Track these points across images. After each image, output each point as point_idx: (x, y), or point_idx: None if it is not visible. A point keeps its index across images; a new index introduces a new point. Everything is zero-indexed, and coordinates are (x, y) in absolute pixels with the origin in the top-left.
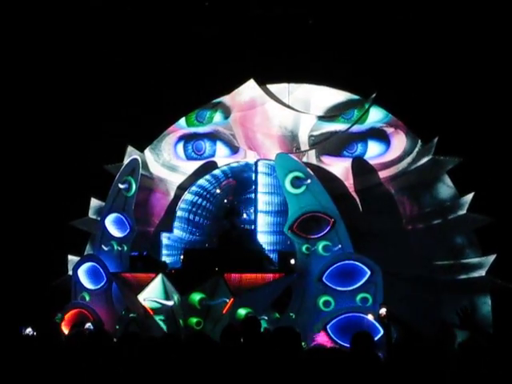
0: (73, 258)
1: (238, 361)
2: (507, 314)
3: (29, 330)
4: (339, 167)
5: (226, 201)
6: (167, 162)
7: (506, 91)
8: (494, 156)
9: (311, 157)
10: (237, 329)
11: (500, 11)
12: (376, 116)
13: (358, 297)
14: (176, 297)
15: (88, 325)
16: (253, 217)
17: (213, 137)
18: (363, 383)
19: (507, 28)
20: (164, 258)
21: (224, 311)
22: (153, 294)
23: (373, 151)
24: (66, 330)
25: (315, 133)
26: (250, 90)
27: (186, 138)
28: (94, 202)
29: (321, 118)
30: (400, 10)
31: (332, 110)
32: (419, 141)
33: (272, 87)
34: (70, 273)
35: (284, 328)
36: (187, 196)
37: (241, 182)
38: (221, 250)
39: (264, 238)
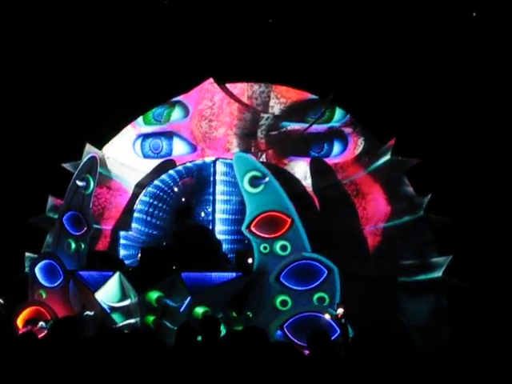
0: (30, 256)
1: (197, 360)
2: (463, 314)
3: None
4: (298, 167)
5: (183, 199)
6: (125, 160)
7: (464, 91)
8: (452, 157)
9: (270, 157)
10: (193, 327)
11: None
12: (335, 116)
13: (315, 296)
14: (133, 295)
15: (41, 323)
16: (211, 217)
17: (170, 135)
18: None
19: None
20: (121, 257)
21: (181, 310)
22: (110, 292)
23: (334, 151)
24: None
25: (274, 132)
26: (208, 88)
27: (144, 137)
28: (52, 200)
29: (279, 117)
30: (357, 10)
31: (291, 110)
32: (376, 142)
33: (231, 86)
34: (27, 270)
35: (252, 328)
36: (145, 194)
37: (199, 181)
38: (178, 249)
39: (222, 238)
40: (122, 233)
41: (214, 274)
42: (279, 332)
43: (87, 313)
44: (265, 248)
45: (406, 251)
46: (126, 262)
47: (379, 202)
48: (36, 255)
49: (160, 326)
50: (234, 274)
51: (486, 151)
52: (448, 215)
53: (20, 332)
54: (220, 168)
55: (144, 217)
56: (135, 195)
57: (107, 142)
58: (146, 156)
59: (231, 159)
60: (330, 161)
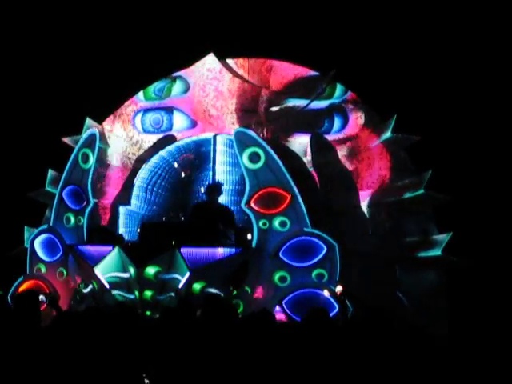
0: (29, 230)
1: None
2: (462, 292)
3: None
4: (299, 143)
5: (183, 175)
6: (125, 135)
7: (465, 70)
8: (452, 134)
9: (271, 132)
10: (192, 303)
11: None
12: (336, 92)
13: (314, 273)
14: (132, 270)
15: (40, 297)
16: None
17: (170, 110)
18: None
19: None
20: (121, 231)
21: (180, 285)
22: (109, 267)
23: (335, 127)
24: None
25: (274, 108)
26: (209, 63)
27: (144, 111)
28: (51, 174)
29: (279, 93)
30: None
31: (292, 86)
32: (378, 118)
33: (232, 62)
34: (26, 244)
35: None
36: (145, 170)
37: (199, 157)
38: (178, 224)
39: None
40: (121, 208)
41: (213, 250)
42: (278, 308)
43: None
44: (264, 224)
45: (405, 228)
46: (126, 236)
47: (378, 179)
48: (35, 229)
49: (158, 301)
50: (234, 250)
51: (486, 129)
52: (448, 192)
53: None
54: (220, 143)
55: (143, 193)
56: (135, 170)
57: (107, 116)
58: (146, 131)
59: (231, 135)
60: (330, 137)
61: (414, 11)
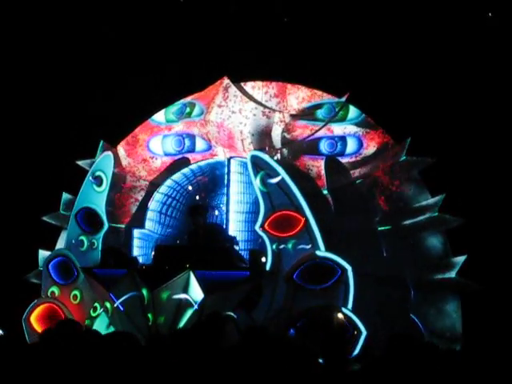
0: (44, 253)
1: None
2: (476, 315)
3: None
4: (313, 166)
5: (197, 198)
6: (140, 158)
7: (479, 91)
8: (466, 157)
9: (285, 156)
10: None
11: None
12: (349, 115)
13: (328, 296)
14: (146, 293)
15: None
16: (225, 216)
17: (191, 131)
18: None
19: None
20: (135, 254)
21: (194, 308)
22: (123, 290)
23: (349, 149)
24: (37, 327)
25: (288, 131)
26: (223, 87)
27: (164, 134)
28: (66, 197)
29: (293, 116)
30: (374, 10)
31: (305, 109)
32: (391, 141)
33: (245, 85)
34: (41, 268)
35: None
36: (159, 192)
37: (213, 180)
38: (192, 247)
39: (236, 237)
40: (135, 230)
41: (227, 273)
42: (291, 331)
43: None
44: (278, 247)
45: (420, 251)
46: (140, 259)
47: (392, 203)
48: (49, 252)
49: (172, 324)
50: (248, 273)
51: (500, 151)
52: (462, 215)
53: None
54: (234, 167)
55: (158, 215)
56: (149, 193)
57: (122, 139)
58: (166, 154)
59: (245, 158)
60: (344, 159)
61: (427, 36)
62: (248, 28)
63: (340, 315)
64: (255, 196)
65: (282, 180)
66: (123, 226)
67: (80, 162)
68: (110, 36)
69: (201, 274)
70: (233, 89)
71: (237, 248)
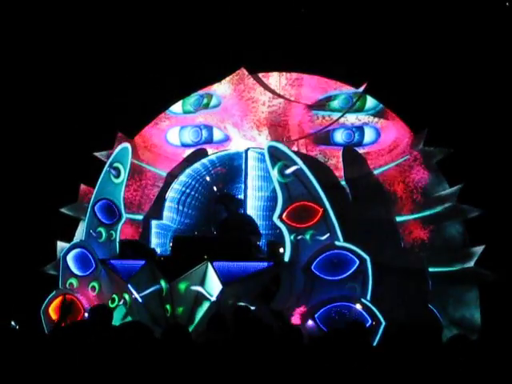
0: (62, 244)
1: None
2: (495, 306)
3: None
4: (331, 156)
5: (215, 189)
6: (158, 149)
7: (496, 82)
8: (484, 147)
9: (302, 146)
10: (225, 317)
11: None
12: (367, 105)
13: (347, 286)
14: (164, 284)
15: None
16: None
17: (208, 123)
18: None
19: (495, 21)
20: (153, 245)
21: (212, 300)
22: (141, 281)
23: (366, 139)
24: (55, 318)
25: (305, 122)
26: (240, 78)
27: (182, 125)
28: (84, 189)
29: (310, 106)
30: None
31: (323, 99)
32: (409, 131)
33: (263, 76)
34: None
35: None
36: (177, 183)
37: (230, 171)
38: (210, 238)
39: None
40: (153, 221)
41: (246, 264)
42: (310, 322)
43: (119, 303)
44: (296, 238)
45: (437, 241)
46: (158, 250)
47: (410, 193)
48: (67, 244)
49: (190, 316)
50: (266, 264)
51: None
52: (480, 205)
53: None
54: (252, 158)
55: (176, 205)
56: (167, 184)
57: (139, 131)
58: (184, 145)
59: (263, 149)
60: (362, 149)
61: (444, 27)
62: (265, 19)
63: (358, 306)
64: (273, 187)
65: (300, 170)
66: (141, 217)
67: (97, 154)
68: (126, 29)
69: (219, 265)
70: (250, 79)
71: (258, 242)
